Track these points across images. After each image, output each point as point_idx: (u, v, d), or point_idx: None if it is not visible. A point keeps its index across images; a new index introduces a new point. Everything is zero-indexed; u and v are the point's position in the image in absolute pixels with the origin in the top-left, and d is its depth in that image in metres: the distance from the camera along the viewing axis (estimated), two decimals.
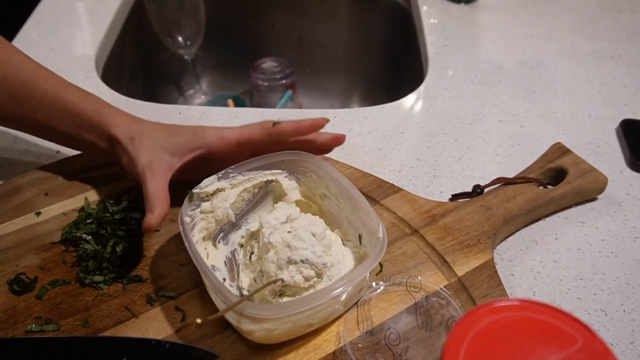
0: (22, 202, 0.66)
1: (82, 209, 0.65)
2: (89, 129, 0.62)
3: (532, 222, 0.69)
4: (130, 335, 0.54)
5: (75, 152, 0.73)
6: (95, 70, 0.91)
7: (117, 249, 0.60)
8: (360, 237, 0.59)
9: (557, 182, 0.70)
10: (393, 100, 0.87)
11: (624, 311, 0.60)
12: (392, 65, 1.23)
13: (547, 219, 0.69)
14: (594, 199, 0.72)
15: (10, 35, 0.94)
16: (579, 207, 0.71)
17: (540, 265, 0.64)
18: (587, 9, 1.09)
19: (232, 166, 0.60)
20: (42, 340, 0.53)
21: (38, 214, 0.65)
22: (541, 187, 0.69)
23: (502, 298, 0.55)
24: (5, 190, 0.67)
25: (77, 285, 0.58)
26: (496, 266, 0.61)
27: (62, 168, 0.70)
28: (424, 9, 1.08)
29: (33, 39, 0.96)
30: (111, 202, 0.65)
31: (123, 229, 0.62)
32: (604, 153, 0.78)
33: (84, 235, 0.61)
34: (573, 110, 0.86)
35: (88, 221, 0.63)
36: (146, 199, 0.57)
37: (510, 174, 0.72)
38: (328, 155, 0.73)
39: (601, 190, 0.71)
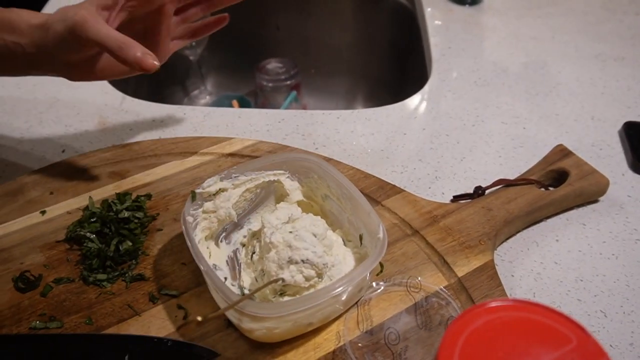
0: (28, 201, 0.67)
1: (86, 208, 0.66)
2: (9, 29, 0.61)
3: (533, 224, 0.69)
4: (132, 333, 0.55)
5: (80, 152, 0.74)
6: None
7: (121, 248, 0.61)
8: (361, 238, 0.59)
9: (558, 184, 0.70)
10: (397, 101, 0.88)
11: (624, 313, 0.60)
12: (396, 67, 1.24)
13: (548, 220, 0.69)
14: (595, 201, 0.72)
15: None
16: (580, 209, 0.71)
17: (540, 266, 0.64)
18: (591, 11, 1.09)
19: (235, 167, 0.61)
20: (46, 337, 0.54)
21: (43, 212, 0.65)
22: (542, 189, 0.69)
23: (498, 298, 0.55)
24: (11, 189, 0.68)
25: (80, 283, 0.59)
26: (496, 267, 0.61)
27: (66, 167, 0.71)
28: (428, 10, 1.09)
29: None
30: (115, 201, 0.65)
31: (126, 227, 0.63)
32: (606, 155, 0.78)
33: (88, 234, 0.62)
34: (576, 112, 0.86)
35: (92, 220, 0.63)
36: (105, 41, 0.56)
37: (512, 175, 0.72)
38: (331, 156, 0.74)
39: (603, 192, 0.71)
